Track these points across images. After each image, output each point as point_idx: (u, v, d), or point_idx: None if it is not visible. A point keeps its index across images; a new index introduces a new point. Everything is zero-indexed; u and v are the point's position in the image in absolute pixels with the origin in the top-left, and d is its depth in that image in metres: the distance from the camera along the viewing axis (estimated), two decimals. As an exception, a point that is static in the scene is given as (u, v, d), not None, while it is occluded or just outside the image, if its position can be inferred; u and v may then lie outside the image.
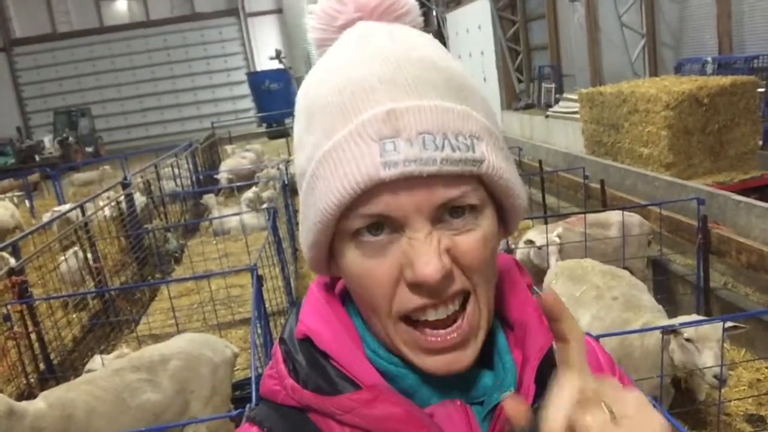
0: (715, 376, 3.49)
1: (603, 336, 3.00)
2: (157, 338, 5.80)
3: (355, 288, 0.73)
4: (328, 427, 0.74)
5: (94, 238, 7.77)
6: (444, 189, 0.67)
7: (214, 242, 9.13)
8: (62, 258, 7.19)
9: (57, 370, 5.72)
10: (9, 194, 15.33)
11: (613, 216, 6.04)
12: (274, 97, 26.03)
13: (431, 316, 0.69)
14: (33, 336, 5.57)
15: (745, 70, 8.63)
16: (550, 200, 9.04)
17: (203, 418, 3.87)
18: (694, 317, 3.95)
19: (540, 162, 9.97)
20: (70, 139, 24.80)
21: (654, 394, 3.73)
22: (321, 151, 0.69)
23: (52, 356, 5.80)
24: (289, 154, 15.00)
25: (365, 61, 0.70)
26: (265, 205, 10.03)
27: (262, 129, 27.35)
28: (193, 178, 14.15)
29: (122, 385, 3.86)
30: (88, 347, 6.48)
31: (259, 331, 4.17)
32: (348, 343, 0.75)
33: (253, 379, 3.02)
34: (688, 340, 3.56)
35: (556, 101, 13.51)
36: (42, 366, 5.64)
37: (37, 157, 23.84)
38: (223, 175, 13.59)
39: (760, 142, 8.09)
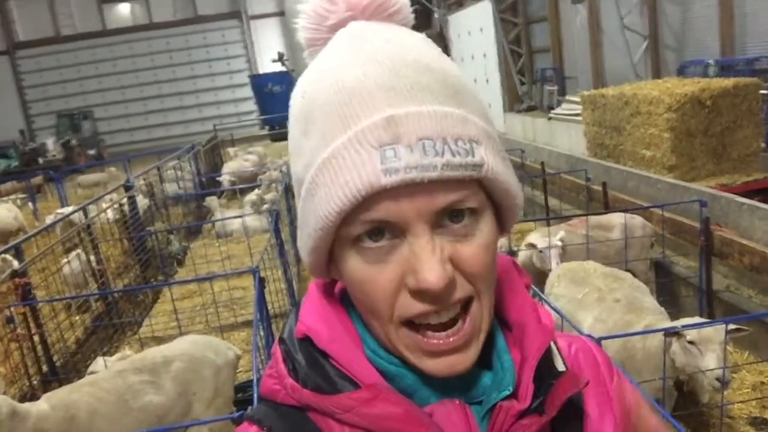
0: (717, 379, 3.48)
1: (605, 338, 3.00)
2: (159, 340, 5.81)
3: (356, 293, 0.73)
4: (327, 427, 0.74)
5: (97, 240, 7.78)
6: (444, 194, 0.67)
7: (217, 244, 9.13)
8: (65, 260, 7.20)
9: (60, 372, 5.72)
10: (12, 197, 15.37)
11: (616, 218, 6.03)
12: (276, 100, 26.05)
13: (434, 320, 0.70)
14: (36, 338, 5.58)
15: (747, 72, 8.63)
16: (553, 202, 9.03)
17: (205, 420, 3.87)
18: (697, 319, 3.94)
19: (542, 164, 9.97)
20: (73, 141, 24.88)
21: (656, 396, 3.73)
22: (320, 157, 0.68)
23: (55, 358, 5.81)
24: (292, 157, 14.95)
25: (360, 64, 0.69)
26: (266, 206, 10.05)
27: (265, 131, 27.40)
28: (196, 180, 14.16)
29: (125, 387, 3.86)
30: (90, 349, 6.49)
31: (261, 333, 4.18)
32: (347, 343, 0.76)
33: (255, 381, 3.03)
34: (690, 342, 3.55)
35: (559, 103, 13.52)
36: (45, 368, 5.65)
37: (40, 160, 23.90)
38: (225, 178, 13.59)
39: (763, 144, 8.09)
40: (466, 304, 0.71)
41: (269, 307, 4.96)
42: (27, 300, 5.47)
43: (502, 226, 0.78)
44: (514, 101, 16.50)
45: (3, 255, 6.47)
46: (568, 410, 0.77)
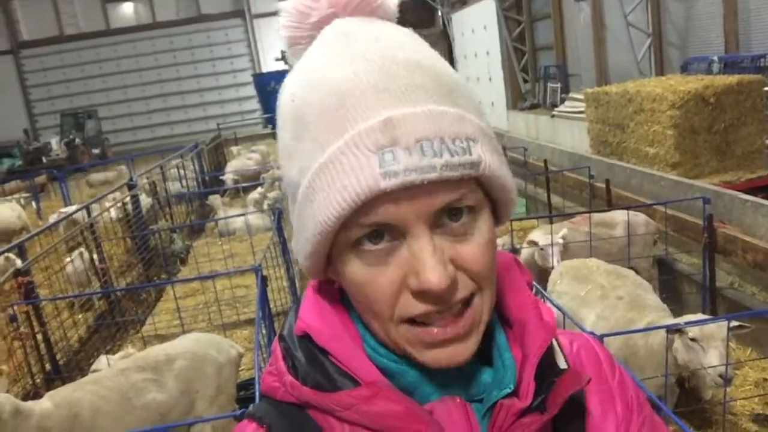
0: (720, 376, 3.48)
1: (607, 335, 3.00)
2: (162, 338, 5.82)
3: (356, 295, 0.73)
4: (327, 424, 0.73)
5: (100, 239, 7.80)
6: (444, 194, 0.67)
7: (220, 243, 9.14)
8: (68, 259, 7.22)
9: (63, 371, 5.74)
10: (16, 196, 15.40)
11: (619, 215, 6.02)
12: (279, 99, 25.99)
13: (436, 323, 0.70)
14: (39, 336, 5.60)
15: (751, 69, 8.60)
16: (556, 200, 9.02)
17: (208, 418, 3.88)
18: (700, 316, 3.93)
19: (545, 162, 9.97)
20: (77, 140, 24.89)
21: (659, 393, 3.72)
22: (316, 162, 0.68)
23: (58, 357, 5.83)
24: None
25: (349, 63, 0.68)
26: (267, 203, 10.05)
27: (268, 130, 27.37)
28: (199, 179, 14.19)
29: (128, 385, 3.87)
30: (93, 348, 6.50)
31: (264, 332, 4.18)
32: (347, 340, 0.75)
33: (257, 379, 3.03)
34: (693, 339, 3.55)
35: (562, 101, 13.50)
36: (48, 366, 5.66)
37: (44, 159, 23.92)
38: (228, 176, 13.62)
39: (767, 141, 8.05)
40: (468, 299, 0.71)
41: (272, 306, 4.96)
42: (30, 299, 5.48)
43: (498, 218, 0.78)
44: (517, 99, 16.47)
45: (6, 254, 6.48)
46: (570, 408, 0.77)
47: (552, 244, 5.50)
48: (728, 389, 3.68)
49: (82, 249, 7.46)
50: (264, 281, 4.41)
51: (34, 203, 15.33)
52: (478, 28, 17.43)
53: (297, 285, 6.75)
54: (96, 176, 17.82)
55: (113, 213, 8.59)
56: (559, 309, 3.44)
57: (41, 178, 18.31)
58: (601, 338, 2.46)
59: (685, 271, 6.14)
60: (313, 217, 0.69)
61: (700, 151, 7.83)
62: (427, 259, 0.66)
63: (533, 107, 15.35)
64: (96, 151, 26.15)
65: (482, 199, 0.72)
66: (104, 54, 32.21)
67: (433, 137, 0.65)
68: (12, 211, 11.54)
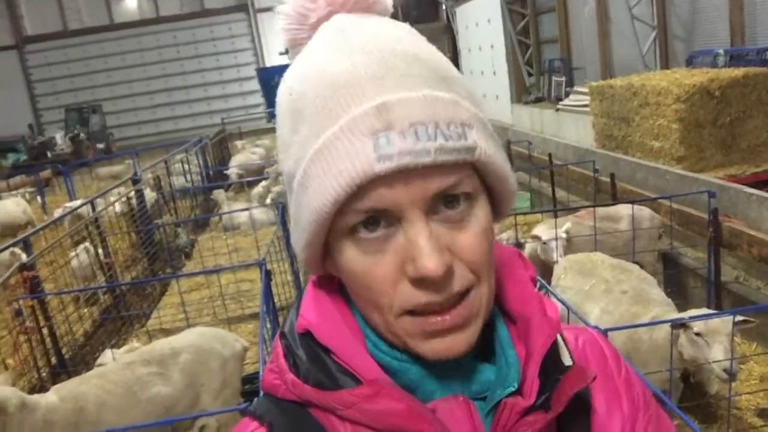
0: (725, 370, 3.47)
1: (612, 329, 3.00)
2: (167, 332, 5.83)
3: (354, 286, 0.72)
4: (329, 422, 0.73)
5: (104, 233, 7.83)
6: (439, 179, 0.67)
7: (224, 237, 9.15)
8: (73, 253, 7.24)
9: (68, 365, 5.76)
10: (21, 190, 15.46)
11: (624, 209, 6.01)
12: (283, 93, 25.95)
13: (435, 313, 0.69)
14: (45, 330, 5.62)
15: (757, 62, 8.54)
16: (560, 194, 9.01)
17: (213, 411, 3.89)
18: (704, 311, 3.92)
19: (550, 155, 9.94)
20: (82, 135, 24.90)
21: (663, 388, 3.72)
22: (311, 149, 0.68)
23: (63, 350, 5.85)
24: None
25: (348, 56, 0.69)
26: (270, 199, 10.05)
27: (272, 125, 27.23)
28: (203, 173, 14.21)
29: (133, 379, 3.89)
30: (99, 341, 6.53)
31: (268, 326, 4.19)
32: (349, 338, 0.75)
33: (261, 373, 3.04)
34: (697, 334, 3.54)
35: (567, 94, 13.45)
36: (53, 360, 5.69)
37: (48, 154, 23.94)
38: (233, 171, 13.61)
39: (773, 135, 8.01)
40: (465, 292, 0.70)
41: (276, 300, 4.97)
42: (35, 293, 5.50)
43: (496, 211, 0.77)
44: (521, 92, 16.42)
45: (12, 248, 6.50)
46: (575, 405, 0.76)
47: (555, 239, 5.49)
48: (733, 384, 3.67)
49: (87, 243, 7.49)
50: (268, 275, 4.42)
51: (39, 198, 15.40)
52: (483, 22, 17.36)
53: (301, 279, 6.76)
54: (105, 170, 17.90)
55: (118, 207, 8.61)
56: (563, 303, 3.44)
57: (46, 173, 18.37)
58: (605, 332, 2.46)
59: (690, 265, 6.13)
60: (309, 204, 0.69)
61: (706, 144, 7.79)
62: (423, 245, 0.66)
63: (538, 101, 15.30)
64: (100, 145, 26.17)
65: (479, 186, 0.72)
66: (108, 49, 32.20)
67: (428, 122, 0.65)
68: (17, 205, 11.60)
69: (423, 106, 0.66)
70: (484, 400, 0.75)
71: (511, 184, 0.75)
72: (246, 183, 12.51)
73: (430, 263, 0.65)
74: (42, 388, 4.80)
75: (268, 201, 10.09)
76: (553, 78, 14.91)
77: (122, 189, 9.92)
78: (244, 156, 15.54)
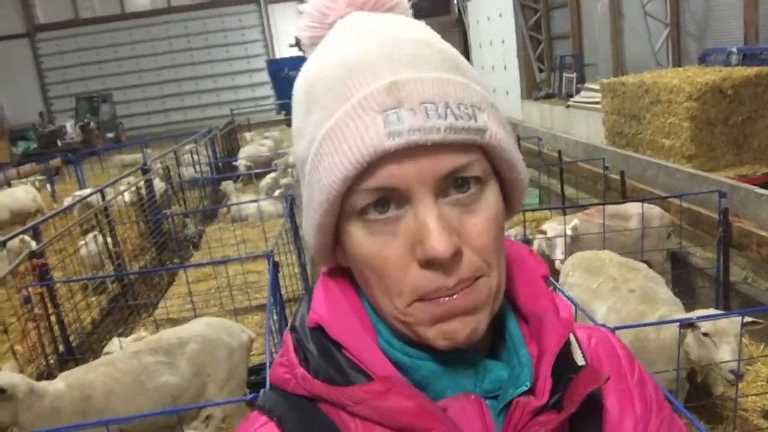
0: (732, 372, 3.46)
1: (619, 328, 2.98)
2: (174, 322, 5.86)
3: (363, 270, 0.72)
4: (339, 418, 0.72)
5: (113, 222, 7.85)
6: (448, 158, 0.67)
7: (232, 228, 9.18)
8: (82, 242, 7.27)
9: (76, 352, 5.80)
10: (31, 178, 15.56)
11: (633, 208, 5.98)
12: (293, 85, 25.90)
13: (446, 303, 0.68)
14: (53, 318, 5.65)
15: (771, 61, 8.46)
16: (569, 191, 8.97)
17: (219, 401, 3.91)
18: (712, 311, 3.91)
19: (559, 152, 9.89)
20: (92, 124, 25.00)
21: (670, 387, 3.71)
22: (323, 129, 0.69)
23: (71, 338, 5.89)
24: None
25: (361, 41, 0.71)
26: (278, 191, 10.07)
27: (281, 116, 27.35)
28: (212, 164, 14.24)
29: (140, 368, 3.92)
30: (106, 330, 6.56)
31: (275, 317, 4.20)
32: (360, 333, 0.74)
33: (267, 364, 3.05)
34: (705, 334, 3.53)
35: (577, 91, 13.38)
36: (61, 348, 5.72)
37: (58, 142, 24.06)
38: (241, 162, 13.63)
39: (785, 135, 7.94)
40: (474, 280, 0.70)
41: (283, 292, 4.98)
42: (44, 280, 5.53)
43: (508, 204, 0.77)
44: (532, 88, 16.35)
45: (21, 236, 6.54)
46: (588, 405, 0.75)
47: (560, 236, 5.47)
48: (740, 385, 3.65)
49: (96, 232, 7.52)
50: (276, 267, 4.42)
51: (48, 186, 15.48)
52: (494, 16, 17.28)
53: (308, 271, 6.78)
54: (123, 158, 18.04)
55: (127, 197, 8.65)
56: (571, 301, 3.43)
57: (56, 161, 18.45)
58: (612, 331, 2.45)
59: (699, 265, 6.09)
60: (319, 182, 0.69)
61: (717, 143, 7.74)
62: (433, 227, 0.66)
63: (548, 97, 15.23)
64: (110, 135, 26.27)
65: (489, 171, 0.71)
66: (119, 38, 32.25)
67: (438, 101, 0.66)
68: (27, 193, 11.66)
69: (434, 86, 0.67)
70: (495, 399, 0.75)
71: (521, 173, 0.75)
72: (254, 175, 12.53)
73: (439, 244, 0.65)
74: (50, 375, 4.83)
75: (276, 193, 10.11)
76: (564, 74, 14.83)
77: (132, 179, 9.96)
78: (253, 148, 15.55)
